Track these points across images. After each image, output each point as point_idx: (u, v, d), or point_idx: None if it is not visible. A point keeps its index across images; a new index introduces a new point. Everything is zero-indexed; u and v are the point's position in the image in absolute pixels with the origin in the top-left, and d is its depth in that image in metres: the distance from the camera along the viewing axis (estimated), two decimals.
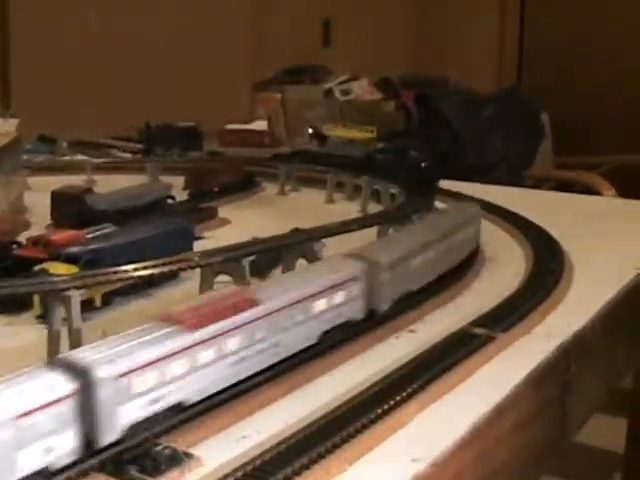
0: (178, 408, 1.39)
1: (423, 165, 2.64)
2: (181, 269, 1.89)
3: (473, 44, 8.41)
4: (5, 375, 1.21)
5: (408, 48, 8.38)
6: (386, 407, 1.52)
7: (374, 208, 3.09)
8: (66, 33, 5.52)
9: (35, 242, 2.27)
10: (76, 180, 3.42)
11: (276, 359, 1.58)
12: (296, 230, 2.27)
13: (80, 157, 4.01)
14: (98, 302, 2.04)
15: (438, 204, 2.82)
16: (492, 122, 5.60)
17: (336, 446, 1.37)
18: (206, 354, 1.42)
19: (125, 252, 2.07)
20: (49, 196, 2.92)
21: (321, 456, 1.34)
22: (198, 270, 2.00)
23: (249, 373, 1.52)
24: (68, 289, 1.66)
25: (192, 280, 2.13)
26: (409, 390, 1.59)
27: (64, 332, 1.73)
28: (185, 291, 2.18)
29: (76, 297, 1.65)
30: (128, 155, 4.12)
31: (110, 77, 5.76)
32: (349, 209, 3.15)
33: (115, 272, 1.76)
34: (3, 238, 2.42)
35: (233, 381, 1.49)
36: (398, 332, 1.94)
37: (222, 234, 2.78)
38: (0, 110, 3.41)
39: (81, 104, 5.52)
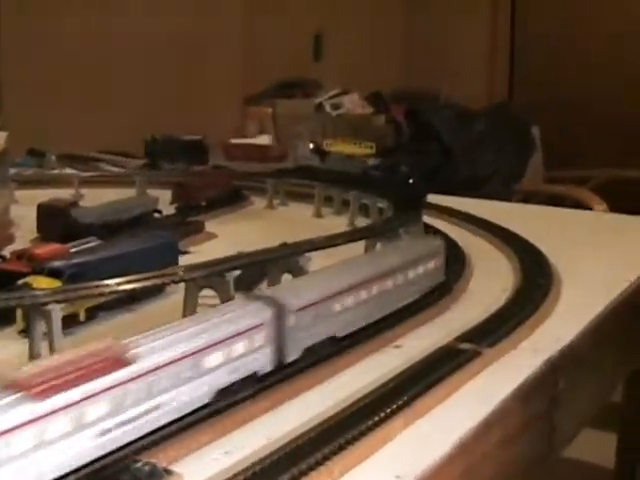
0: None
1: (410, 181, 2.62)
2: (164, 283, 1.88)
3: (464, 59, 8.43)
4: None
5: (399, 63, 8.40)
6: (371, 423, 1.50)
7: (363, 223, 3.08)
8: (56, 47, 5.52)
9: (19, 256, 2.26)
10: (64, 194, 3.40)
11: (158, 424, 1.38)
12: (284, 244, 2.26)
13: (68, 170, 3.99)
14: (82, 317, 2.03)
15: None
16: (483, 136, 5.60)
17: (319, 463, 1.35)
18: (59, 425, 1.21)
19: (109, 266, 2.05)
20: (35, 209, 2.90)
21: (303, 473, 1.32)
22: (183, 284, 1.99)
23: (120, 444, 1.31)
24: (49, 303, 1.64)
25: (177, 294, 2.11)
26: (394, 406, 1.57)
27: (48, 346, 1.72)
28: (170, 305, 2.16)
29: (57, 311, 1.64)
30: (116, 169, 4.10)
31: (101, 91, 5.75)
32: (337, 223, 3.13)
33: (97, 286, 1.74)
34: None
35: (100, 454, 1.28)
36: (383, 347, 1.93)
37: (208, 248, 2.77)
38: None
39: (72, 117, 5.51)
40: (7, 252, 2.43)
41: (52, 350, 1.67)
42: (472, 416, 1.61)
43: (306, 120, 5.82)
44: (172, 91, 6.18)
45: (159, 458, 1.35)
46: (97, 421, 1.26)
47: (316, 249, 2.13)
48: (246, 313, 1.58)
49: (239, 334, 1.52)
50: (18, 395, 1.16)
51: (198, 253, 2.67)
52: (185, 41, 6.28)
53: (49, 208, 2.87)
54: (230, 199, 3.48)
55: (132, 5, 5.91)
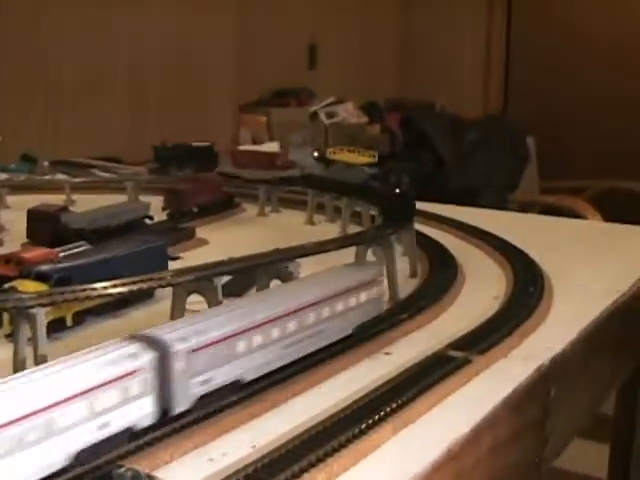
0: None
1: (397, 191, 2.59)
2: (152, 287, 1.86)
3: (460, 70, 8.45)
4: None
5: (394, 72, 8.41)
6: (360, 429, 1.48)
7: (355, 230, 3.06)
8: (51, 54, 5.51)
9: (7, 260, 2.24)
10: (56, 199, 3.38)
11: None
12: (276, 251, 2.23)
13: (60, 176, 3.98)
14: (69, 321, 2.01)
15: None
16: (476, 146, 5.60)
17: (303, 470, 1.34)
18: None
19: (97, 271, 2.04)
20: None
21: None
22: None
23: None
24: (33, 307, 1.62)
25: (167, 300, 2.09)
26: (383, 412, 1.55)
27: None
28: (159, 311, 2.14)
29: (41, 315, 1.62)
30: (108, 175, 4.08)
31: (94, 97, 5.74)
32: (329, 230, 3.11)
33: (84, 290, 1.72)
34: None
35: None
36: (374, 354, 1.91)
37: (199, 255, 2.75)
38: None
39: (65, 124, 5.50)
40: None
41: (36, 353, 1.65)
42: (462, 423, 1.59)
43: (301, 129, 5.83)
44: (167, 99, 6.17)
45: (142, 465, 1.33)
46: None
47: (305, 255, 2.11)
48: (119, 357, 1.34)
49: (108, 383, 1.30)
50: None
51: (188, 259, 2.66)
52: (180, 49, 6.27)
53: (39, 213, 2.86)
54: (222, 206, 3.47)
55: (127, 14, 5.90)
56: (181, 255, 2.72)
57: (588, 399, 2.41)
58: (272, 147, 5.23)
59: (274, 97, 6.75)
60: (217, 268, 1.91)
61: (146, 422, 1.37)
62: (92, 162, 4.36)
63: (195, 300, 1.94)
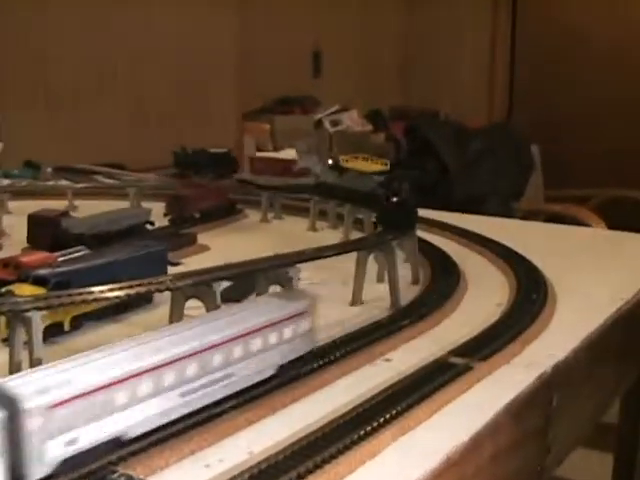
0: None
1: (395, 199, 2.57)
2: (150, 292, 1.84)
3: (465, 78, 8.44)
4: None
5: (398, 80, 8.41)
6: (359, 436, 1.46)
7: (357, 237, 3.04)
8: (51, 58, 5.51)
9: (6, 264, 2.23)
10: (57, 205, 3.37)
11: None
12: (275, 256, 2.22)
13: (63, 182, 3.98)
14: (67, 326, 1.99)
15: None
16: (481, 154, 5.59)
17: (301, 477, 1.32)
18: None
19: (95, 275, 2.02)
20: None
21: None
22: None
23: None
24: (29, 310, 1.60)
25: (166, 305, 2.07)
26: (383, 419, 1.53)
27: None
28: (158, 316, 2.12)
29: (37, 318, 1.60)
30: (110, 181, 4.08)
31: (97, 104, 5.74)
32: (332, 237, 3.10)
33: (81, 294, 1.70)
34: None
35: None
36: (374, 360, 1.89)
37: (200, 260, 2.73)
38: None
39: (68, 130, 5.50)
40: None
41: (31, 358, 1.63)
42: (463, 431, 1.57)
43: (305, 136, 5.82)
44: (170, 106, 6.17)
45: (137, 470, 1.31)
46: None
47: (305, 260, 2.10)
48: None
49: None
50: None
51: (189, 265, 2.64)
52: (183, 57, 6.27)
53: (39, 218, 2.85)
54: (224, 212, 3.46)
55: (129, 21, 5.90)
56: (182, 261, 2.71)
57: (591, 407, 2.39)
58: (289, 154, 5.23)
59: (278, 105, 6.75)
60: (216, 273, 1.89)
61: None
62: (96, 168, 4.35)
63: (194, 305, 1.92)
